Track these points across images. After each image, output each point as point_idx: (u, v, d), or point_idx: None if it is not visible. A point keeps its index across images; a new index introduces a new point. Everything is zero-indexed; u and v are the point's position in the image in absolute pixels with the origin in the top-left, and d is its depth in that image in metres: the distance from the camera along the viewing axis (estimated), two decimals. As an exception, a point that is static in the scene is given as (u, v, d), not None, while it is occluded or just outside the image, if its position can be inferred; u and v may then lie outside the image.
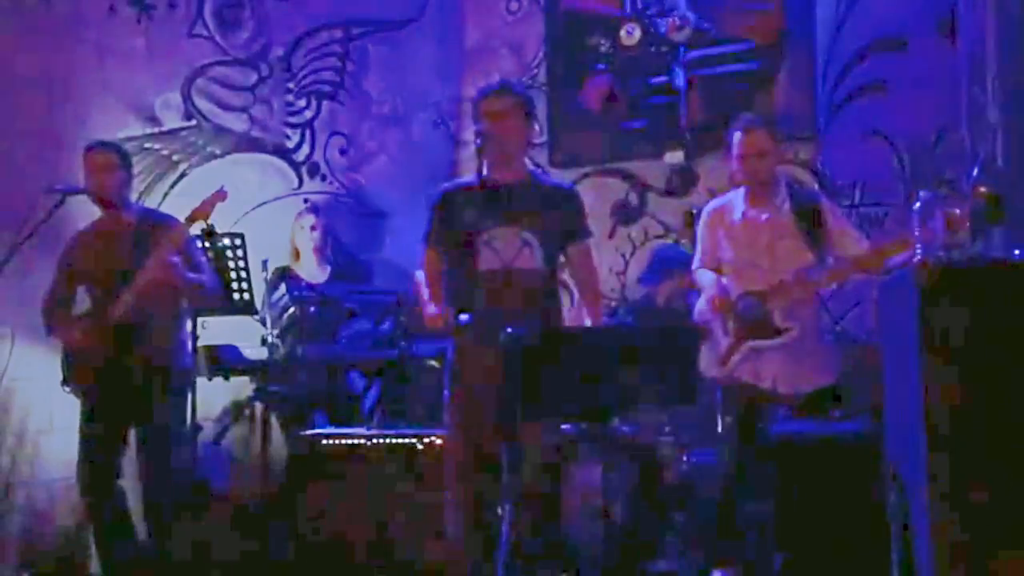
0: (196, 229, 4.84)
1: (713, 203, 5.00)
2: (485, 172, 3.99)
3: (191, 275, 4.84)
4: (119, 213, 4.92)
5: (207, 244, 5.20)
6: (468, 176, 3.97)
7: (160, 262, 4.68)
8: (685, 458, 5.49)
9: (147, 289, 4.71)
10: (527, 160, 4.27)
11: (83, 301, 4.99)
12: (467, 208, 4.01)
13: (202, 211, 4.77)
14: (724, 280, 4.81)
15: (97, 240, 4.91)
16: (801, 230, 4.69)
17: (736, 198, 4.86)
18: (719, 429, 4.84)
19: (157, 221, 4.95)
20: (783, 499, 4.21)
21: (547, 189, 4.12)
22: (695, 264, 5.01)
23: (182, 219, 4.92)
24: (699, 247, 4.99)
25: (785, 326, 4.61)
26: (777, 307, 4.62)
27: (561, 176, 6.75)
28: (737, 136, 4.73)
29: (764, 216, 4.74)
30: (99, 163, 4.86)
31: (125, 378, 4.74)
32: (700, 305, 4.91)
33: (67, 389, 4.83)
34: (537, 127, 4.23)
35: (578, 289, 4.47)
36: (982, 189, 3.40)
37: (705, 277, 4.89)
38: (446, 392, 4.07)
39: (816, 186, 6.26)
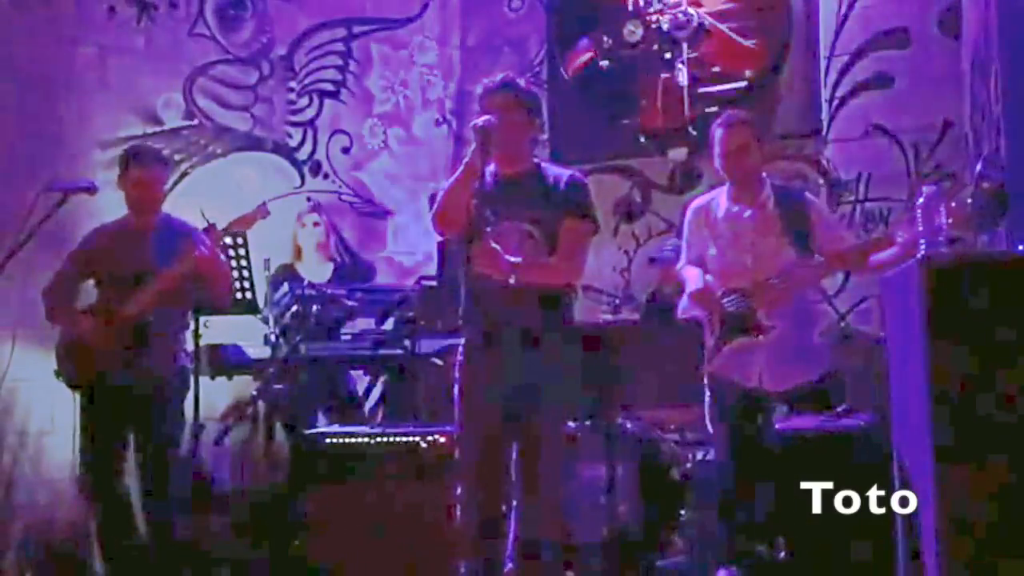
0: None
1: (698, 200, 4.96)
2: (492, 167, 3.97)
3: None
4: (147, 219, 4.93)
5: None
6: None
7: (210, 254, 4.75)
8: (690, 455, 5.49)
9: (168, 289, 4.73)
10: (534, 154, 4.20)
11: (85, 297, 4.99)
12: (474, 202, 3.97)
13: (242, 223, 4.80)
14: (708, 277, 4.78)
15: (120, 240, 4.92)
16: (785, 227, 4.65)
17: (720, 195, 4.83)
18: (708, 427, 4.82)
19: (179, 229, 4.96)
20: (787, 496, 4.19)
21: (552, 180, 4.06)
22: (681, 262, 4.98)
23: (191, 221, 4.99)
24: (684, 244, 4.97)
25: (770, 323, 4.60)
26: (761, 305, 4.60)
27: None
28: (719, 133, 4.70)
29: (747, 213, 4.71)
30: (153, 177, 4.89)
31: (127, 377, 4.74)
32: (684, 302, 4.89)
33: (62, 380, 4.82)
34: (539, 122, 4.16)
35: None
36: (985, 184, 3.39)
37: (690, 274, 4.86)
38: (456, 390, 4.05)
39: (820, 181, 6.26)
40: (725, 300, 4.66)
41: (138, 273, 4.78)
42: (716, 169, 4.77)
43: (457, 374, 4.07)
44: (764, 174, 4.80)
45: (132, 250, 4.86)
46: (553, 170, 4.12)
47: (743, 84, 6.52)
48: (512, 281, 3.80)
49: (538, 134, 4.17)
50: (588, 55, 7.00)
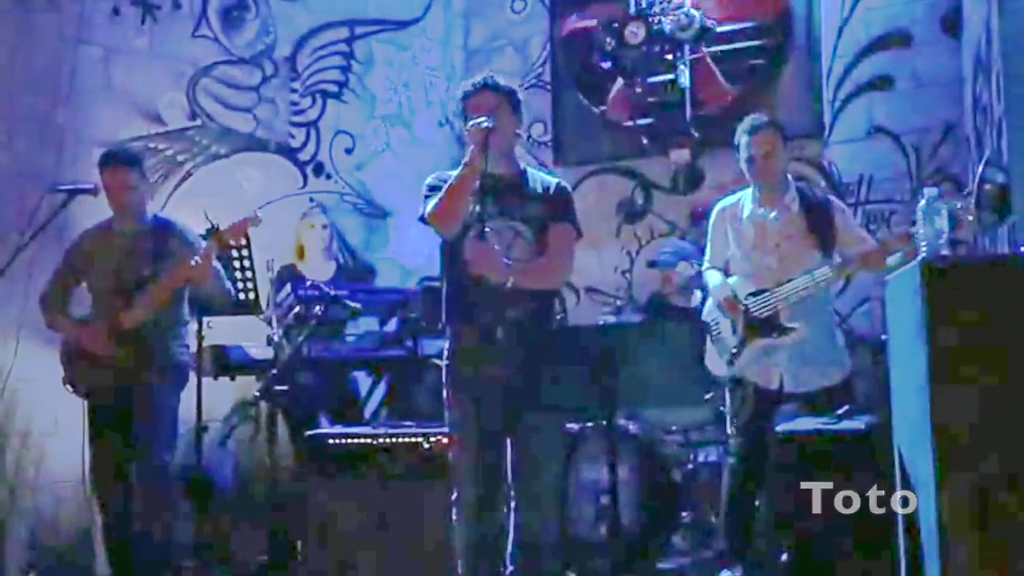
0: (201, 229, 4.86)
1: (723, 201, 4.98)
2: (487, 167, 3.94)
3: (227, 284, 4.99)
4: (132, 221, 4.94)
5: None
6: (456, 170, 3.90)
7: (205, 268, 4.75)
8: (692, 457, 5.50)
9: (165, 297, 4.74)
10: (518, 156, 4.20)
11: (80, 299, 5.00)
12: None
13: (233, 233, 4.80)
14: (732, 279, 4.80)
15: (107, 242, 4.93)
16: (809, 229, 4.68)
17: (745, 196, 4.85)
18: (728, 428, 4.83)
19: (169, 230, 4.97)
20: (789, 497, 4.19)
21: (538, 184, 4.07)
22: (704, 263, 5.01)
23: (186, 221, 5.03)
24: (708, 245, 4.99)
25: (793, 325, 4.60)
26: (784, 307, 4.61)
27: (566, 175, 6.76)
28: (744, 139, 4.72)
29: (773, 215, 4.73)
30: (116, 182, 4.88)
31: (130, 378, 4.76)
32: (709, 305, 4.91)
33: (70, 388, 4.85)
34: (521, 121, 4.15)
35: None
36: (987, 185, 3.39)
37: (714, 278, 4.88)
38: (446, 391, 4.05)
39: (822, 183, 6.26)
40: (749, 302, 4.68)
41: (126, 276, 4.80)
42: (742, 172, 4.78)
43: (447, 376, 4.06)
44: (789, 176, 4.82)
45: (117, 253, 4.88)
46: (538, 174, 4.15)
47: (749, 82, 6.52)
48: (509, 284, 3.81)
49: (520, 132, 4.17)
50: (589, 23, 6.97)
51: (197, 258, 4.72)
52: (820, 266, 4.61)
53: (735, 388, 4.78)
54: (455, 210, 3.86)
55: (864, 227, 6.12)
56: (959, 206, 3.29)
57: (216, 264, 4.89)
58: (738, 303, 4.71)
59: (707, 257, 5.00)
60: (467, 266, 3.85)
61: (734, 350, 4.71)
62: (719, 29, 6.50)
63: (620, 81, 6.77)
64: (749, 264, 4.78)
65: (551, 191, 4.06)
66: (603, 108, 7.00)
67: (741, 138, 4.74)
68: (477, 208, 3.85)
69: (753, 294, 4.69)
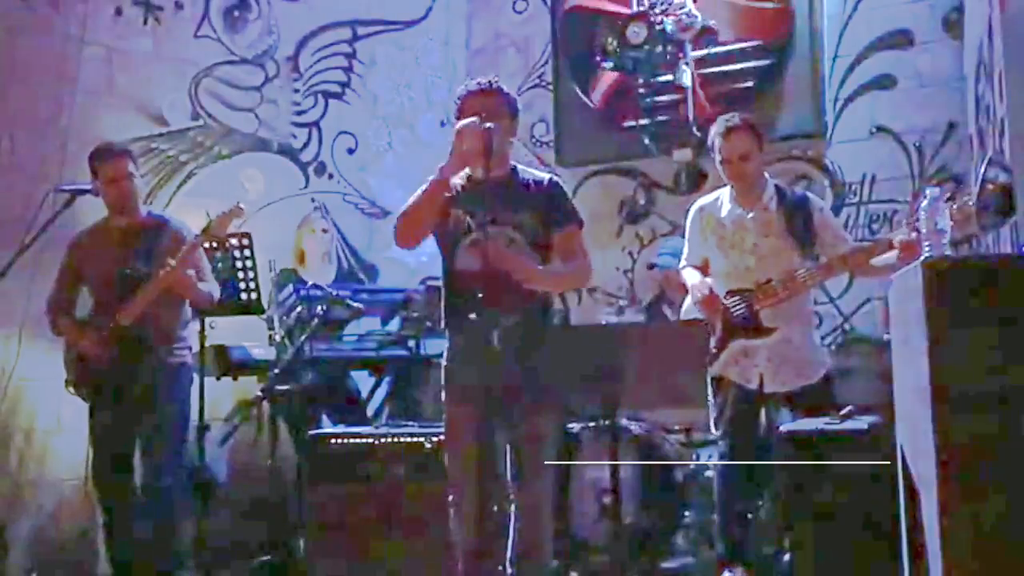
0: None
1: (700, 200, 4.96)
2: (468, 171, 3.91)
3: (202, 286, 4.92)
4: (128, 217, 4.95)
5: (214, 244, 5.19)
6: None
7: (176, 274, 4.74)
8: (693, 456, 5.50)
9: (157, 296, 4.74)
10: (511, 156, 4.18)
11: (85, 301, 5.01)
12: (452, 207, 3.94)
13: (219, 226, 4.79)
14: (710, 280, 4.78)
15: (103, 242, 4.94)
16: (788, 229, 4.65)
17: (723, 195, 4.82)
18: (712, 429, 4.81)
19: (164, 226, 4.97)
20: (790, 497, 4.20)
21: (530, 183, 4.02)
22: (682, 262, 4.98)
23: (188, 221, 5.02)
24: (686, 245, 4.97)
25: (772, 325, 4.60)
26: (764, 307, 4.60)
27: (568, 175, 6.77)
28: (718, 141, 4.68)
29: (750, 215, 4.70)
30: (118, 172, 4.88)
31: (130, 379, 4.76)
32: (687, 304, 4.88)
33: (72, 391, 4.85)
34: (516, 130, 4.12)
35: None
36: (990, 185, 3.39)
37: (692, 277, 4.85)
38: (444, 394, 4.04)
39: (825, 183, 6.26)
40: (728, 302, 4.67)
41: (124, 273, 4.81)
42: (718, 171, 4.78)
43: (445, 380, 4.05)
44: (767, 175, 4.80)
45: (115, 250, 4.89)
46: (529, 173, 4.10)
47: (751, 82, 6.50)
48: (538, 286, 3.82)
49: (514, 137, 4.15)
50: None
51: (171, 261, 4.71)
52: (800, 266, 4.60)
53: (716, 388, 4.75)
54: (421, 220, 3.85)
55: (866, 227, 6.13)
56: (963, 207, 3.28)
57: (205, 263, 4.88)
58: (718, 302, 4.69)
59: (684, 255, 4.97)
60: (466, 271, 3.83)
61: (713, 349, 4.69)
62: (725, 49, 6.49)
63: (612, 75, 6.72)
64: (727, 263, 4.75)
65: (544, 186, 4.03)
66: (591, 98, 6.96)
67: (715, 140, 4.70)
68: (468, 218, 3.84)
69: (732, 294, 4.68)
